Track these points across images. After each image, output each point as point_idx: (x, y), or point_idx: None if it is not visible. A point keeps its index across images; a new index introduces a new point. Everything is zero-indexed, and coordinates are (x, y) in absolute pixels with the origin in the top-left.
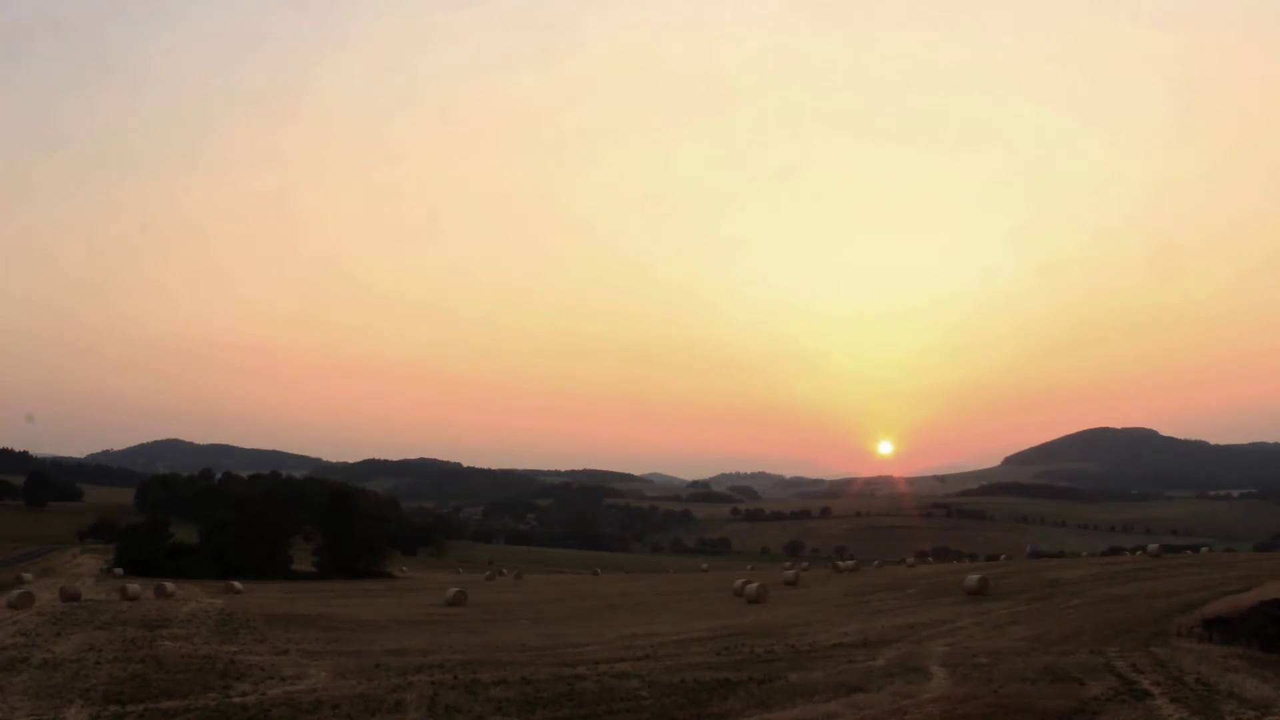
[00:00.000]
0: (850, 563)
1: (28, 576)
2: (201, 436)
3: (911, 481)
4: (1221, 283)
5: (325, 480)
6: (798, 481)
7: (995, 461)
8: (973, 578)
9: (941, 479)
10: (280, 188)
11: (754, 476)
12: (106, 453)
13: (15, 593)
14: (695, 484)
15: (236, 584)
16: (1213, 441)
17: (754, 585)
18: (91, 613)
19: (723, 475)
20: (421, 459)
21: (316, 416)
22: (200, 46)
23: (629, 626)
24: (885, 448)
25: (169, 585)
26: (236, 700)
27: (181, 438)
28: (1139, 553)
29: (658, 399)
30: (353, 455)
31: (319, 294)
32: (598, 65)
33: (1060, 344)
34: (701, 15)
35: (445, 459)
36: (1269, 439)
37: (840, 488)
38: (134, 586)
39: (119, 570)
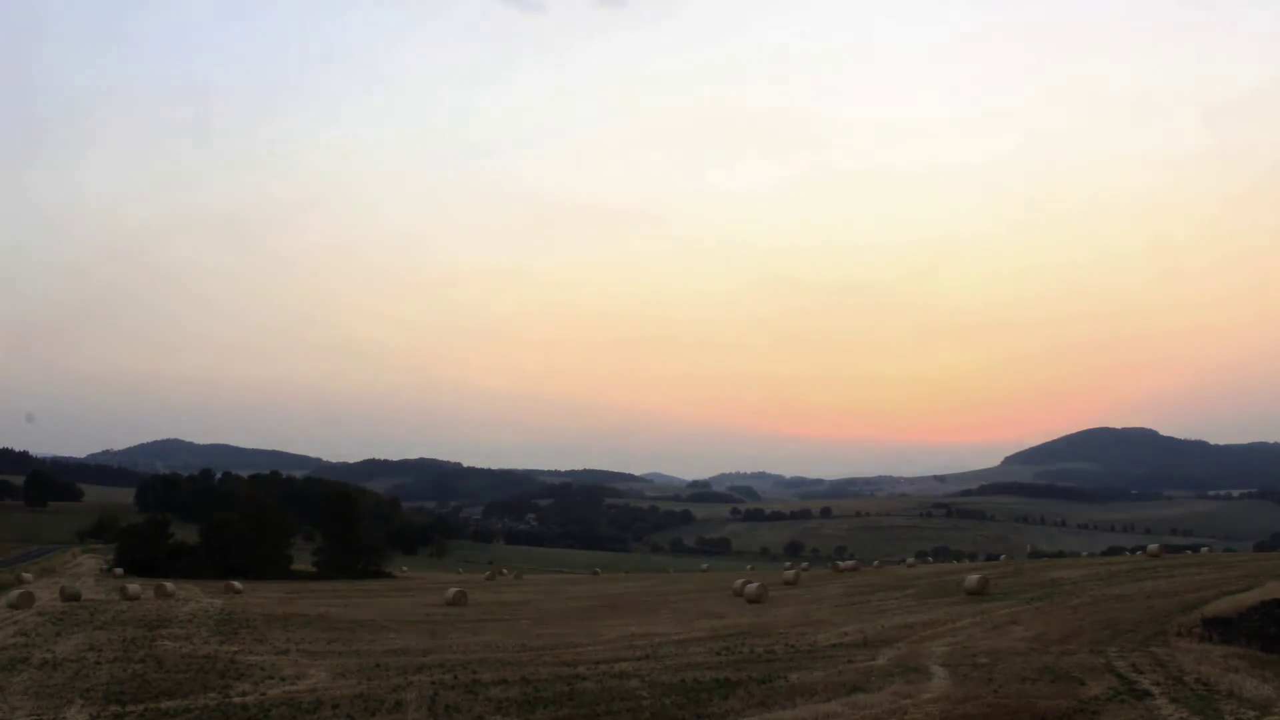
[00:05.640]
0: (850, 563)
1: (28, 576)
2: (201, 436)
3: (911, 482)
4: (1222, 282)
5: (325, 480)
6: (798, 481)
7: (995, 461)
8: (973, 578)
9: (941, 479)
10: (283, 184)
11: (754, 476)
12: (106, 453)
13: (15, 593)
14: (695, 484)
15: (236, 584)
16: (1213, 441)
17: (754, 585)
18: (91, 613)
19: (723, 475)
20: (421, 459)
21: (316, 416)
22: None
23: (629, 626)
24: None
25: (169, 585)
26: (237, 700)
27: (181, 438)
28: (1139, 553)
29: (658, 399)
30: (353, 455)
31: (321, 294)
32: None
33: (1061, 343)
34: None
35: (445, 459)
36: (1269, 439)
37: (841, 488)
38: (134, 586)
39: (119, 570)
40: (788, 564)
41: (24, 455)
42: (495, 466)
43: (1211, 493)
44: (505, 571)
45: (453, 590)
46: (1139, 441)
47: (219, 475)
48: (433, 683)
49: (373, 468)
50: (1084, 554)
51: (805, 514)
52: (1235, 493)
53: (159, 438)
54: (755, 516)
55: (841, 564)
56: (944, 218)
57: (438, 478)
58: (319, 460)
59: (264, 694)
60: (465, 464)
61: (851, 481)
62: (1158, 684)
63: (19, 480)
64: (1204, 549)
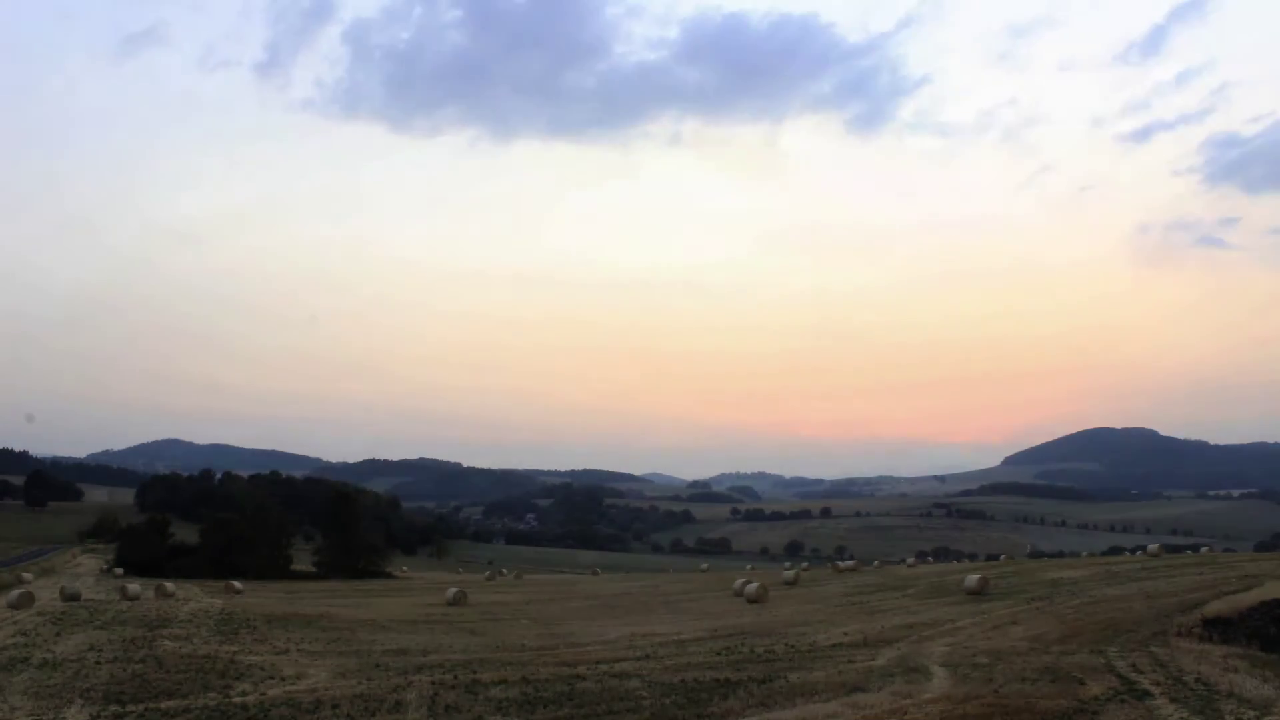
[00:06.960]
0: (850, 563)
1: (28, 576)
2: (201, 436)
3: (911, 482)
4: (1222, 282)
5: (325, 480)
6: (798, 481)
7: (995, 461)
8: (973, 578)
9: (941, 479)
10: (280, 191)
11: (754, 476)
12: (106, 453)
13: (15, 593)
14: (695, 484)
15: (237, 584)
16: (1213, 441)
17: (754, 585)
18: (92, 613)
19: (723, 475)
20: (421, 459)
21: (316, 416)
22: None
23: (629, 626)
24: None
25: (169, 585)
26: (237, 700)
27: (181, 438)
28: (1139, 553)
29: (658, 399)
30: (353, 455)
31: (323, 293)
32: None
33: (1061, 343)
34: None
35: (445, 459)
36: (1269, 439)
37: (841, 488)
38: (134, 586)
39: (119, 570)
40: (788, 564)
41: (24, 455)
42: (495, 466)
43: (1211, 493)
44: (505, 572)
45: (453, 590)
46: (1139, 441)
47: (219, 475)
48: (433, 683)
49: (373, 468)
50: (1084, 554)
51: (805, 514)
52: (1235, 493)
53: (159, 438)
54: (755, 516)
55: (841, 564)
56: (945, 229)
57: (438, 478)
58: (319, 460)
59: (264, 694)
60: (465, 464)
61: (851, 481)
62: (1158, 684)
63: (19, 480)
64: (1204, 549)
